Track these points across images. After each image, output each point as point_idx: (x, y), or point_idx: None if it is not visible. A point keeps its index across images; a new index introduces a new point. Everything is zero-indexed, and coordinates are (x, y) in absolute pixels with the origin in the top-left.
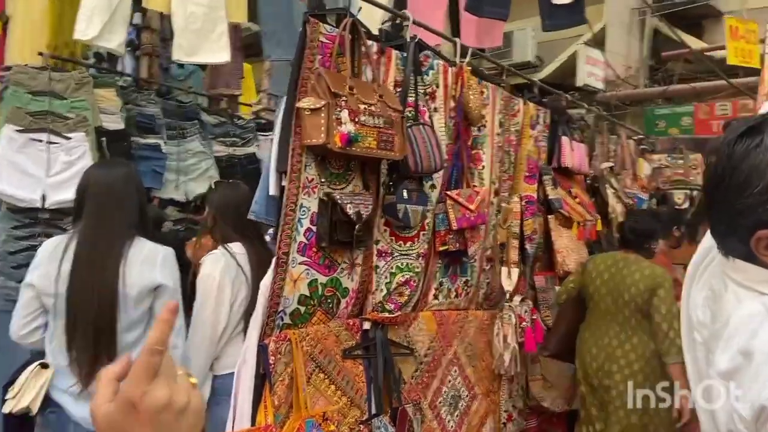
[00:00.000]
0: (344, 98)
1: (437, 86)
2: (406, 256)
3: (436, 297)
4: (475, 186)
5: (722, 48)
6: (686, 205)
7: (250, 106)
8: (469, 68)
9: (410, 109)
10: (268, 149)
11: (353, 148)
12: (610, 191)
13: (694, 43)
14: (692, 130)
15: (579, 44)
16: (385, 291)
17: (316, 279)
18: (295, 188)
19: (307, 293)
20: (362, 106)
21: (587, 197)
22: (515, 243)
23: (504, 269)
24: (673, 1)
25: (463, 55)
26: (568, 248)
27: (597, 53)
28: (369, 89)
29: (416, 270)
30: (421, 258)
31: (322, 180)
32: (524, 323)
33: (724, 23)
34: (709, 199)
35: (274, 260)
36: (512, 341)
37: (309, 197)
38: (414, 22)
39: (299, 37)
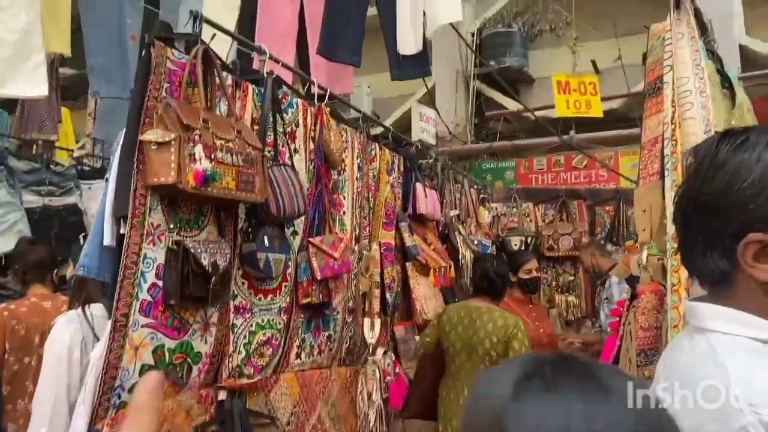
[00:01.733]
0: (198, 132)
1: (297, 126)
2: (267, 312)
3: (298, 356)
4: (337, 232)
5: (537, 109)
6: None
7: (70, 151)
8: (329, 109)
9: (269, 148)
10: (92, 198)
11: (210, 189)
12: (459, 238)
13: (511, 104)
14: (515, 183)
15: (413, 101)
16: (243, 353)
17: (163, 344)
18: (138, 236)
19: (152, 362)
20: (219, 142)
21: (440, 244)
22: (377, 292)
23: (366, 321)
24: (493, 67)
25: (322, 96)
26: (426, 296)
27: (429, 111)
28: (225, 123)
29: (278, 327)
30: (283, 313)
31: (171, 226)
32: (388, 377)
33: (551, 81)
34: (684, 210)
35: (109, 324)
36: (377, 398)
37: (154, 246)
38: (275, 60)
39: (141, 62)
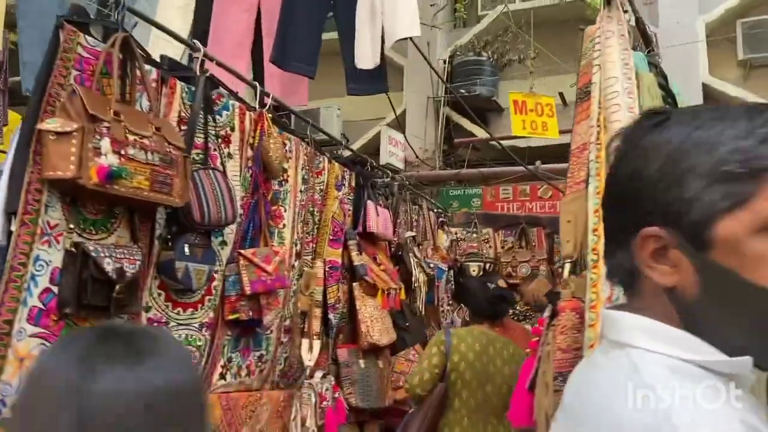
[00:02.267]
0: (106, 124)
1: (232, 129)
2: (185, 327)
3: (223, 376)
4: (273, 245)
5: (504, 138)
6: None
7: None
8: (270, 116)
9: (198, 151)
10: None
11: (116, 187)
12: (413, 260)
13: (480, 132)
14: (481, 210)
15: (382, 125)
16: None
17: None
18: (29, 235)
19: None
20: (131, 137)
21: (391, 265)
22: (318, 312)
23: (305, 341)
24: (462, 94)
25: (263, 102)
26: (373, 318)
27: (398, 135)
28: (142, 119)
29: (198, 343)
30: (205, 329)
31: (71, 226)
32: (325, 402)
33: (508, 100)
34: (602, 203)
35: None
36: (311, 424)
37: (49, 248)
38: (209, 58)
39: (49, 45)
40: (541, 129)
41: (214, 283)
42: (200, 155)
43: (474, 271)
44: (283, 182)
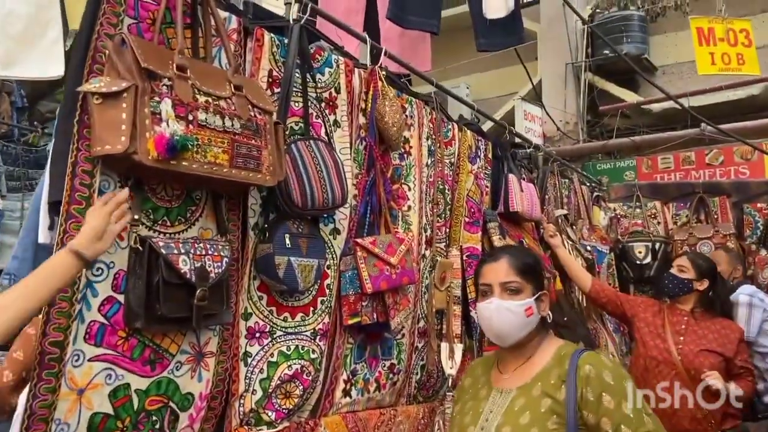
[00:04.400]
0: (167, 81)
1: (337, 91)
2: (295, 336)
3: (347, 393)
4: (397, 232)
5: (658, 101)
6: (648, 260)
7: None
8: (384, 73)
9: (296, 118)
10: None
11: (183, 163)
12: (567, 242)
13: (629, 97)
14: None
15: (516, 99)
16: (260, 392)
17: (127, 384)
18: (78, 229)
19: (110, 410)
20: (202, 99)
21: (541, 249)
22: (457, 310)
23: (444, 345)
24: (607, 56)
25: (377, 57)
26: None
27: (534, 108)
28: (217, 75)
29: (312, 356)
30: (319, 337)
31: (137, 218)
32: None
33: (689, 24)
34: None
35: (37, 357)
36: None
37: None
38: (316, 11)
39: None
40: (736, 63)
41: (328, 281)
42: (299, 124)
43: (641, 252)
44: (405, 155)
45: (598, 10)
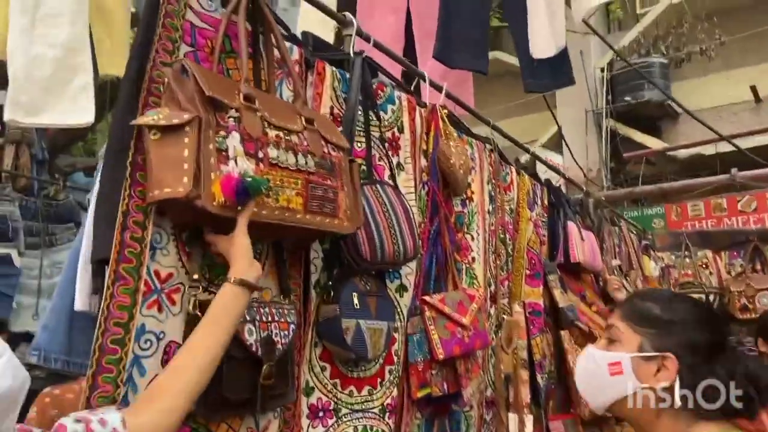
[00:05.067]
0: (233, 112)
1: (400, 131)
2: (362, 414)
3: None
4: (465, 288)
5: (686, 147)
6: None
7: None
8: (445, 111)
9: (359, 160)
10: None
11: (254, 209)
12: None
13: (653, 143)
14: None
15: (536, 147)
16: None
17: None
18: (128, 294)
19: None
20: (272, 133)
21: (602, 304)
22: (525, 375)
23: (512, 417)
24: (629, 102)
25: (438, 91)
26: None
27: (555, 156)
28: (286, 108)
29: None
30: (389, 414)
31: (195, 277)
32: None
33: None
34: None
35: None
36: None
37: (161, 313)
38: (365, 38)
39: (145, 7)
40: None
41: (395, 347)
42: (362, 166)
43: None
44: (467, 201)
45: (617, 58)
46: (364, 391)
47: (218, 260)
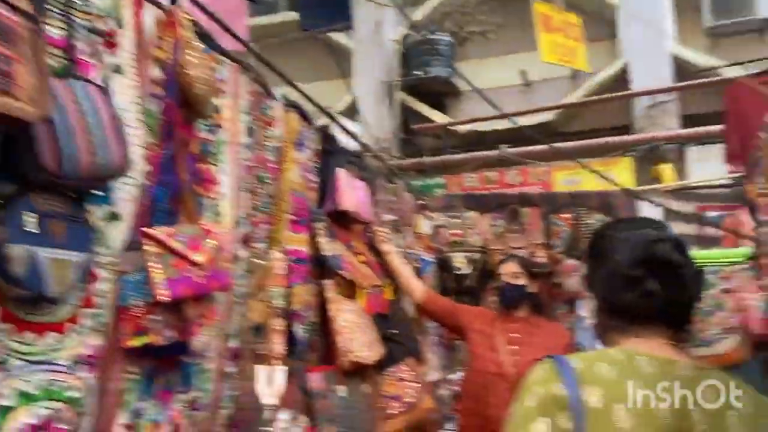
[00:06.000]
0: None
1: (120, 25)
2: (43, 367)
3: None
4: (204, 223)
5: (467, 122)
6: (467, 270)
7: None
8: (190, 19)
9: (56, 50)
10: None
11: None
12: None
13: (439, 118)
14: None
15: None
16: None
17: None
18: None
19: None
20: None
21: (371, 255)
22: (279, 324)
23: (262, 369)
24: (418, 77)
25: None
26: (355, 327)
27: (350, 124)
28: None
29: (71, 395)
30: (83, 368)
31: None
32: None
33: (533, 10)
34: None
35: None
36: None
37: None
38: None
39: None
40: (570, 56)
41: (99, 286)
42: (60, 58)
43: (461, 263)
44: (216, 129)
45: (411, 32)
46: (48, 339)
47: None
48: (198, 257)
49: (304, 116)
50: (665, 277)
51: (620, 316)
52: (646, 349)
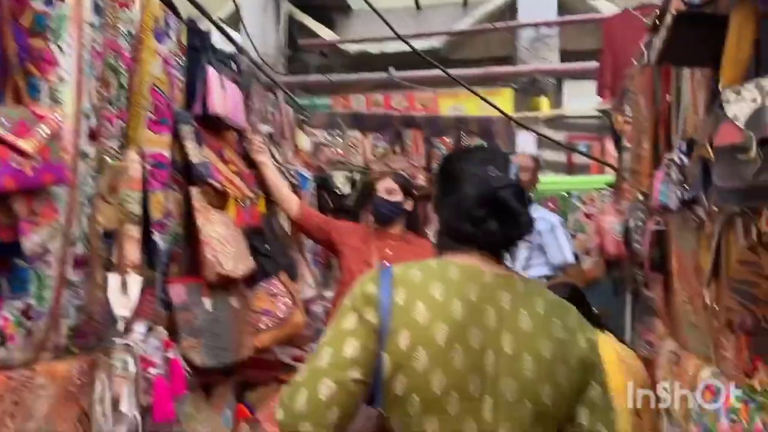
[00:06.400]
0: None
1: None
2: None
3: None
4: (36, 108)
5: (356, 41)
6: (347, 190)
7: None
8: None
9: None
10: None
11: None
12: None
13: (327, 34)
14: None
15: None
16: None
17: None
18: None
19: None
20: None
21: (244, 165)
22: (135, 231)
23: (114, 278)
24: None
25: None
26: (223, 238)
27: (233, 33)
28: None
29: None
30: None
31: None
32: (153, 370)
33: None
34: None
35: None
36: (129, 406)
37: None
38: None
39: None
40: None
41: None
42: None
43: (340, 182)
44: (56, 1)
45: None
46: None
47: None
48: (26, 145)
49: (169, 5)
50: (504, 220)
51: (456, 239)
52: (462, 261)
